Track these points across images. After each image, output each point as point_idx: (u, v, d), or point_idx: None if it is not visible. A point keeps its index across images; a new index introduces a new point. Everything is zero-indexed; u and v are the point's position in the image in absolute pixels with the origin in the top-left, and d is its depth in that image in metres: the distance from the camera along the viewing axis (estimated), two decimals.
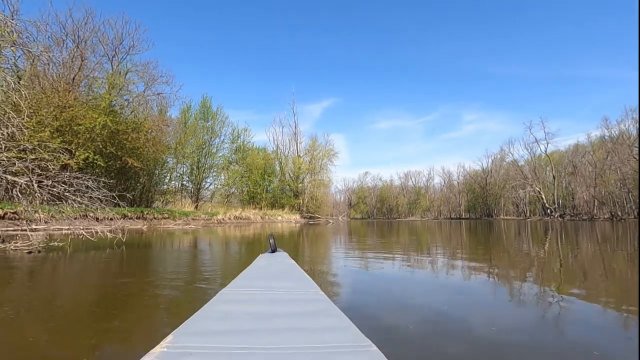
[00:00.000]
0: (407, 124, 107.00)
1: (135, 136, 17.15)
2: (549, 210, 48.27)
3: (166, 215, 17.73)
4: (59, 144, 13.91)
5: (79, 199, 5.03)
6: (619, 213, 39.86)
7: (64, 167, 14.45)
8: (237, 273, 2.09)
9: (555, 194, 50.15)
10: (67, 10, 17.51)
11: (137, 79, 19.44)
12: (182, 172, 26.84)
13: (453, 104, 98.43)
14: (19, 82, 16.07)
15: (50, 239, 6.26)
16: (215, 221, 20.92)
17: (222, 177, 30.00)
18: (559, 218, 44.53)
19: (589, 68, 75.17)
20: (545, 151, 51.17)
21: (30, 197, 4.93)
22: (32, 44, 16.79)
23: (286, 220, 28.26)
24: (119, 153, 16.70)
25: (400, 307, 2.51)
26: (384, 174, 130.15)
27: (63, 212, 5.52)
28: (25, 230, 5.03)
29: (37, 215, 6.58)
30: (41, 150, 5.36)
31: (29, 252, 5.09)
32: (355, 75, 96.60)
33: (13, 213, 11.23)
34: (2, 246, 5.30)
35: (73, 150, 15.17)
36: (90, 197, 5.26)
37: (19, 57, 16.58)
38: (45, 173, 5.06)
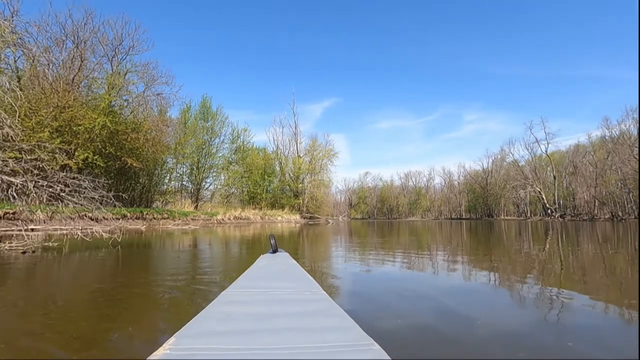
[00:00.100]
0: (407, 124, 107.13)
1: (134, 136, 17.14)
2: (549, 211, 48.20)
3: (165, 216, 17.72)
4: (58, 144, 13.95)
5: (75, 200, 5.01)
6: (620, 213, 39.77)
7: (64, 167, 14.47)
8: (236, 274, 2.06)
9: (556, 194, 50.09)
10: (67, 10, 17.49)
11: (137, 80, 19.45)
12: (181, 173, 26.86)
13: (453, 104, 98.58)
14: (18, 83, 16.16)
15: (47, 239, 6.24)
16: (215, 221, 20.90)
17: (222, 178, 30.02)
18: (560, 218, 44.47)
19: (589, 68, 75.31)
20: (546, 151, 51.17)
21: (26, 198, 4.91)
22: (32, 44, 16.93)
23: (286, 220, 28.24)
24: (118, 153, 16.69)
25: (401, 307, 2.49)
26: (385, 174, 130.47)
27: (59, 212, 5.49)
28: (21, 230, 4.99)
29: (33, 215, 6.55)
30: (38, 151, 5.33)
31: (24, 252, 5.08)
32: (355, 75, 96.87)
33: (13, 213, 11.22)
34: None
35: (72, 151, 15.18)
36: (86, 198, 5.23)
37: (18, 57, 16.65)
38: (41, 173, 5.03)
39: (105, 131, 15.86)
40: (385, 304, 2.59)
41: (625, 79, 63.73)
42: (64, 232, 8.11)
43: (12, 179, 4.46)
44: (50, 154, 6.07)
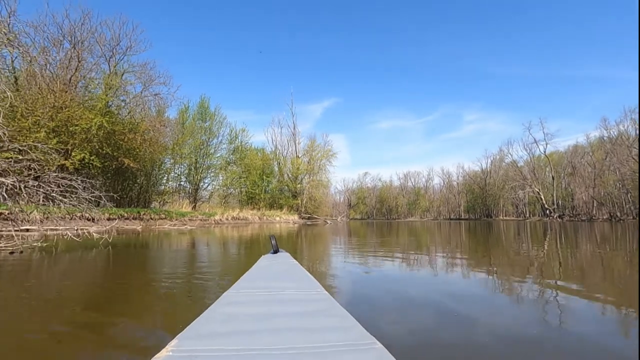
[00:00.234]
0: (407, 124, 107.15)
1: (131, 137, 17.08)
2: (548, 211, 48.25)
3: (163, 216, 17.65)
4: (54, 144, 13.88)
5: (66, 200, 4.95)
6: (618, 214, 39.84)
7: (61, 167, 14.41)
8: (233, 277, 2.03)
9: (555, 195, 50.15)
10: (64, 11, 17.41)
11: (135, 80, 19.38)
12: (179, 173, 26.81)
13: (453, 104, 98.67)
14: (15, 83, 16.09)
15: (38, 240, 6.18)
16: (213, 222, 20.84)
17: (220, 178, 29.96)
18: (558, 219, 44.51)
19: (589, 68, 75.34)
20: (545, 152, 51.24)
21: (16, 198, 4.85)
22: (29, 44, 16.87)
23: (284, 220, 28.19)
24: (115, 154, 16.63)
25: (401, 306, 2.50)
26: (384, 174, 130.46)
27: (51, 213, 5.44)
28: (10, 230, 4.94)
29: (27, 216, 6.49)
30: (29, 151, 5.27)
31: (11, 253, 5.04)
32: (355, 75, 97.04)
33: (9, 214, 11.15)
34: None
35: (69, 151, 15.11)
36: (78, 198, 5.17)
37: (15, 57, 16.57)
38: (32, 174, 4.98)
39: (102, 131, 15.80)
40: (383, 305, 2.55)
41: (625, 79, 63.82)
42: (59, 232, 8.05)
43: (3, 180, 4.40)
44: (42, 155, 5.98)
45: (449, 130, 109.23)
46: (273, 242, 2.94)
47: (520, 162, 55.59)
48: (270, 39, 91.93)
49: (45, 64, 16.89)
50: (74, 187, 5.04)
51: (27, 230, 9.08)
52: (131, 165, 16.91)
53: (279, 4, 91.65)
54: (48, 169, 7.40)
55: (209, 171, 28.45)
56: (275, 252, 2.93)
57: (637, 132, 37.29)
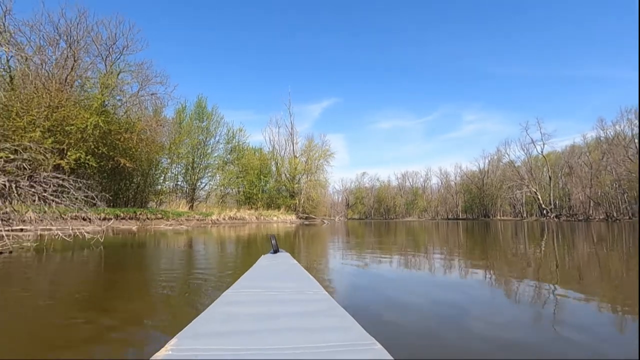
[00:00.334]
0: (407, 124, 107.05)
1: (128, 136, 17.00)
2: (545, 211, 48.41)
3: (159, 216, 17.57)
4: (50, 144, 13.80)
5: (58, 200, 4.90)
6: (614, 214, 40.02)
7: (56, 167, 14.31)
8: (231, 280, 2.01)
9: (552, 195, 50.32)
10: (60, 10, 17.30)
11: (131, 79, 19.29)
12: (176, 173, 26.71)
13: (453, 104, 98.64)
14: (10, 82, 15.98)
15: (30, 240, 6.12)
16: (210, 222, 20.77)
17: (218, 178, 29.86)
18: (555, 219, 44.67)
19: (589, 68, 75.27)
20: (542, 152, 51.41)
21: (9, 198, 4.80)
22: (25, 43, 16.77)
23: (282, 220, 28.14)
24: (111, 153, 16.54)
25: (399, 305, 2.50)
26: (384, 174, 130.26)
27: (42, 212, 5.38)
28: (1, 230, 4.88)
29: (22, 216, 6.42)
30: (22, 151, 5.21)
31: (0, 253, 4.99)
32: (355, 75, 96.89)
33: (3, 214, 11.04)
34: None
35: (65, 150, 15.02)
36: (70, 198, 5.12)
37: (11, 56, 16.46)
38: (24, 173, 4.92)
39: (98, 131, 15.71)
40: (383, 301, 2.54)
41: (625, 79, 63.96)
42: (53, 232, 7.97)
43: None
44: (34, 155, 5.92)
45: (449, 130, 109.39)
46: (273, 241, 2.94)
47: (518, 162, 55.83)
48: (270, 39, 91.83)
49: (41, 63, 16.80)
50: (66, 187, 4.98)
51: (22, 230, 9.01)
52: (127, 165, 16.83)
53: (279, 4, 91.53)
54: (44, 169, 7.34)
55: (206, 171, 28.37)
56: (275, 251, 2.92)
57: (633, 132, 37.49)
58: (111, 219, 14.33)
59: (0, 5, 15.16)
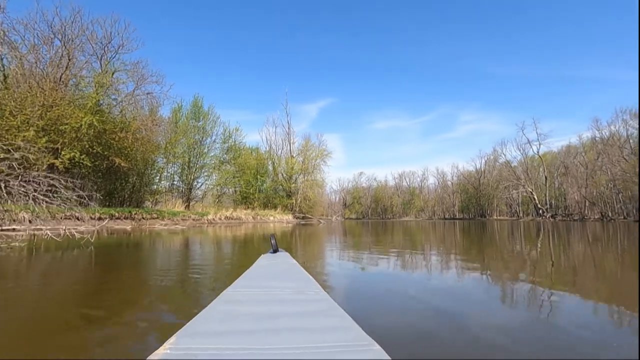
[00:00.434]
0: (404, 124, 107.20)
1: (123, 136, 16.87)
2: (541, 211, 48.67)
3: (155, 216, 17.47)
4: (44, 143, 13.68)
5: (47, 199, 4.83)
6: (609, 213, 40.31)
7: (51, 166, 14.19)
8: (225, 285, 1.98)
9: (547, 195, 50.60)
10: (54, 8, 17.14)
11: (127, 78, 19.16)
12: (172, 172, 26.59)
13: (452, 104, 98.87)
14: (4, 80, 15.82)
15: (18, 240, 6.04)
16: (206, 221, 20.68)
17: (214, 177, 29.76)
18: (551, 218, 44.92)
19: (589, 68, 75.37)
20: (538, 152, 51.67)
21: None
22: (19, 42, 16.62)
23: (278, 220, 28.08)
24: (106, 153, 16.41)
25: (397, 303, 2.49)
26: (381, 174, 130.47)
27: (35, 212, 5.31)
28: None
29: (7, 215, 6.34)
30: (12, 151, 5.14)
31: None
32: (355, 76, 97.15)
33: None
34: None
35: (59, 150, 14.88)
36: (61, 197, 5.05)
37: (5, 55, 16.28)
38: (13, 173, 4.85)
39: (93, 130, 15.58)
40: (382, 300, 2.53)
41: (624, 80, 64.15)
42: (43, 232, 7.89)
43: None
44: (26, 154, 5.85)
45: (446, 130, 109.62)
46: (273, 241, 2.94)
47: (514, 162, 56.06)
48: (270, 39, 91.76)
49: (36, 62, 16.64)
50: (56, 187, 4.92)
51: (14, 230, 8.92)
52: (122, 164, 16.71)
53: (279, 4, 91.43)
54: (38, 168, 7.26)
55: (203, 170, 28.27)
56: (275, 251, 2.92)
57: (628, 132, 37.74)
58: (106, 218, 14.22)
59: None
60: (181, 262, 5.00)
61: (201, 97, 28.58)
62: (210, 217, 21.52)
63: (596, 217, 41.41)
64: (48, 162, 13.95)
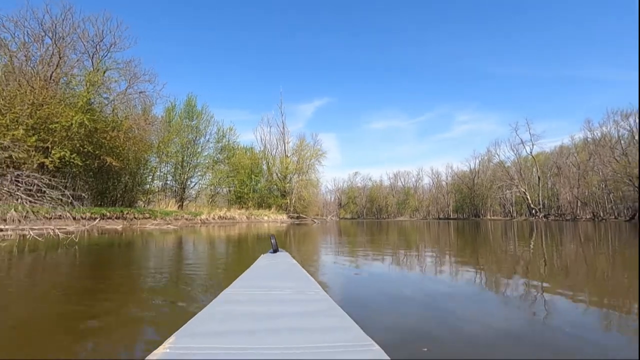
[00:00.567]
0: (401, 124, 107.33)
1: (114, 135, 16.66)
2: (534, 211, 49.09)
3: (147, 215, 17.28)
4: (33, 142, 13.46)
5: (31, 199, 4.72)
6: (601, 213, 40.78)
7: (41, 166, 13.97)
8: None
9: (540, 195, 51.04)
10: (45, 6, 16.87)
11: (119, 77, 18.91)
12: (165, 172, 26.36)
13: (450, 104, 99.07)
14: None
15: (3, 240, 5.92)
16: (199, 221, 20.51)
17: (208, 177, 29.56)
18: (544, 218, 45.33)
19: (589, 68, 75.44)
20: (531, 152, 52.09)
21: None
22: (9, 39, 16.33)
23: (272, 220, 27.97)
24: (97, 152, 16.19)
25: (394, 302, 2.50)
26: (377, 174, 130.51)
27: (20, 212, 5.19)
28: None
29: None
30: (1, 151, 5.02)
31: None
32: (355, 75, 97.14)
33: None
34: None
35: (49, 149, 14.66)
36: (46, 197, 4.94)
37: None
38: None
39: (84, 129, 15.37)
40: (375, 302, 2.50)
41: (625, 79, 64.45)
42: (26, 232, 7.75)
43: None
44: (14, 153, 5.72)
45: (442, 130, 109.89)
46: (273, 241, 2.94)
47: (508, 163, 56.47)
48: (270, 39, 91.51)
49: (26, 60, 16.38)
50: (39, 186, 4.81)
51: (1, 230, 8.73)
52: (114, 163, 16.51)
53: (279, 4, 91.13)
54: (27, 167, 7.11)
55: (196, 170, 28.05)
56: (275, 251, 2.91)
57: (619, 133, 38.22)
58: (96, 218, 14.04)
59: None
60: (174, 262, 4.91)
61: (195, 96, 28.38)
62: (203, 216, 21.36)
63: (588, 217, 41.86)
64: (38, 161, 13.74)
